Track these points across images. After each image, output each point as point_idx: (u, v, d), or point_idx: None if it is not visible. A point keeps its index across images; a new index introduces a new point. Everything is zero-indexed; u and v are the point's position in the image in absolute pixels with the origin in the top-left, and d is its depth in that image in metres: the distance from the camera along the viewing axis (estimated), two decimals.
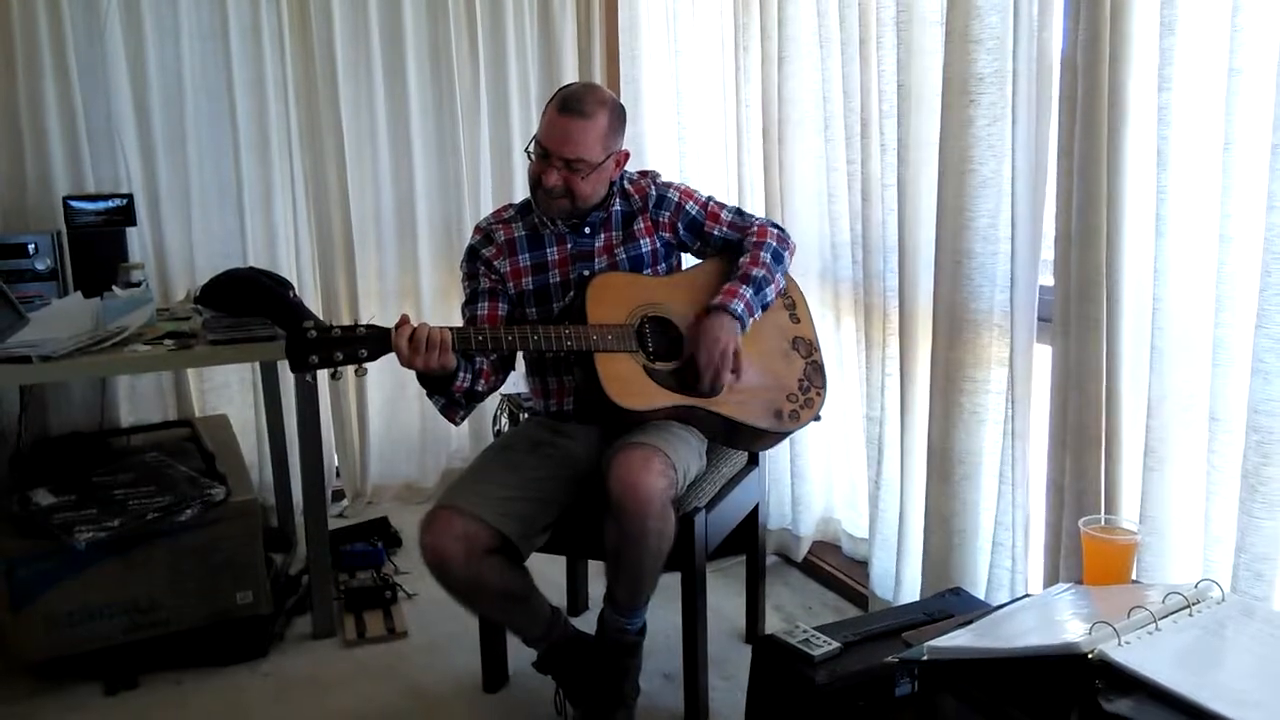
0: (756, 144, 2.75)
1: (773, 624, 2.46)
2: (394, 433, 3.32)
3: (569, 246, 2.03)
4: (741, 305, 1.96)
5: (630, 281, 2.01)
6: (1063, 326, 1.80)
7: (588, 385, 1.89)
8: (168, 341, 2.27)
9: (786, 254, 2.09)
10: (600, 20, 3.26)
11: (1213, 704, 1.09)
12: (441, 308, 3.26)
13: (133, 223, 2.69)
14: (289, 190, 3.07)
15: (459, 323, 1.98)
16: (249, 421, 3.09)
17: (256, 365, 2.97)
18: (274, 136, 3.00)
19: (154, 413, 2.97)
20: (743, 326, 1.97)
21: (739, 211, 2.13)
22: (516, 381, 2.35)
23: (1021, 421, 1.96)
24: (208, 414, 3.04)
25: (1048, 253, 1.88)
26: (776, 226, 2.10)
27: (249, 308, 2.36)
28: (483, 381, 1.94)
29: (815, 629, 1.65)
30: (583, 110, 1.89)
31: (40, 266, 2.55)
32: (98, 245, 2.63)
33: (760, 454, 2.29)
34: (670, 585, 2.01)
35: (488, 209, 3.05)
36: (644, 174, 2.12)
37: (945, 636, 1.40)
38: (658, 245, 2.06)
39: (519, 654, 2.10)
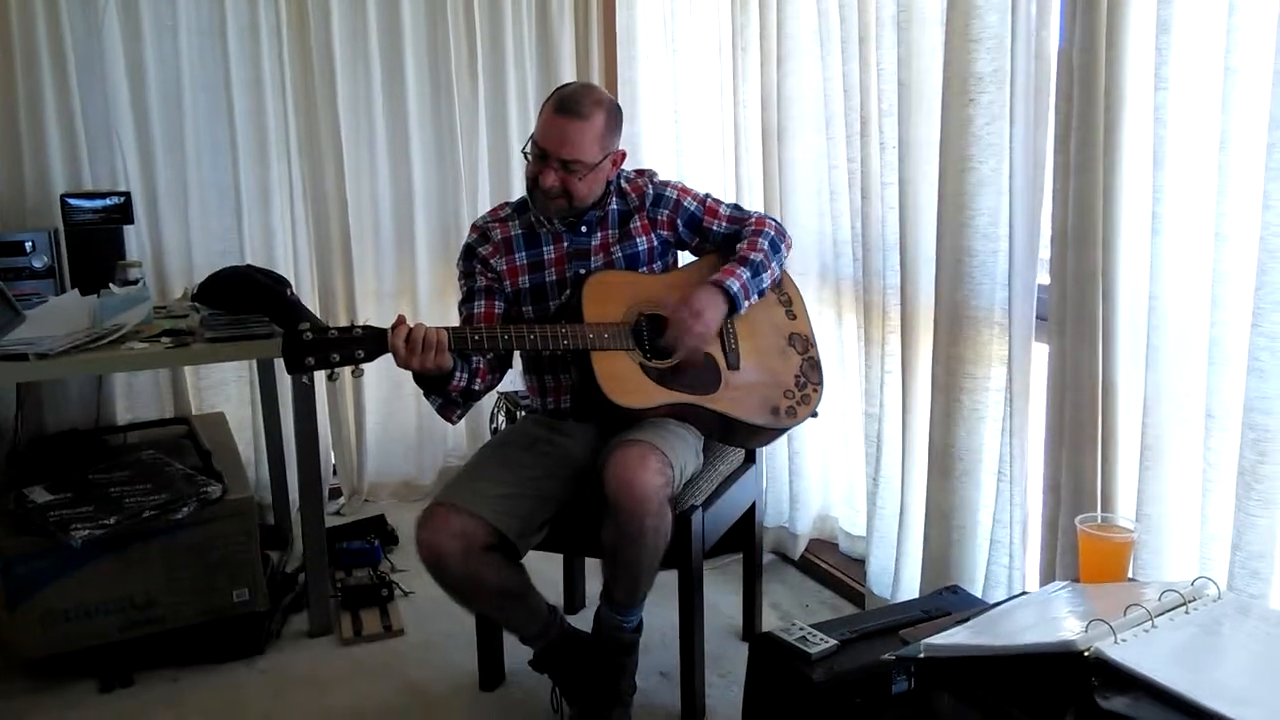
0: (755, 143, 2.75)
1: (770, 622, 2.46)
2: (391, 430, 3.31)
3: (565, 245, 2.03)
4: (738, 285, 1.96)
5: (627, 279, 2.01)
6: (1059, 325, 1.80)
7: (584, 383, 1.89)
8: (164, 339, 2.26)
9: (783, 245, 2.09)
10: (598, 20, 3.26)
11: (1209, 701, 1.09)
12: (438, 307, 3.25)
13: (130, 220, 2.69)
14: (286, 189, 3.07)
15: (456, 322, 1.98)
16: (246, 419, 3.09)
17: (253, 363, 2.96)
18: (272, 135, 3.00)
19: (150, 410, 2.97)
20: (737, 306, 1.96)
21: (736, 206, 2.14)
22: (514, 379, 2.35)
23: (1020, 419, 1.96)
24: (204, 412, 3.03)
25: (1044, 251, 1.88)
26: (773, 220, 2.11)
27: (246, 305, 2.35)
28: (479, 380, 1.94)
29: (812, 627, 1.64)
30: (579, 111, 1.89)
31: (37, 264, 2.55)
32: (95, 243, 2.62)
33: (757, 451, 2.30)
34: (667, 583, 2.01)
35: (485, 208, 3.02)
36: (641, 173, 2.12)
37: (942, 634, 1.41)
38: (654, 243, 2.06)
39: (515, 652, 2.10)
